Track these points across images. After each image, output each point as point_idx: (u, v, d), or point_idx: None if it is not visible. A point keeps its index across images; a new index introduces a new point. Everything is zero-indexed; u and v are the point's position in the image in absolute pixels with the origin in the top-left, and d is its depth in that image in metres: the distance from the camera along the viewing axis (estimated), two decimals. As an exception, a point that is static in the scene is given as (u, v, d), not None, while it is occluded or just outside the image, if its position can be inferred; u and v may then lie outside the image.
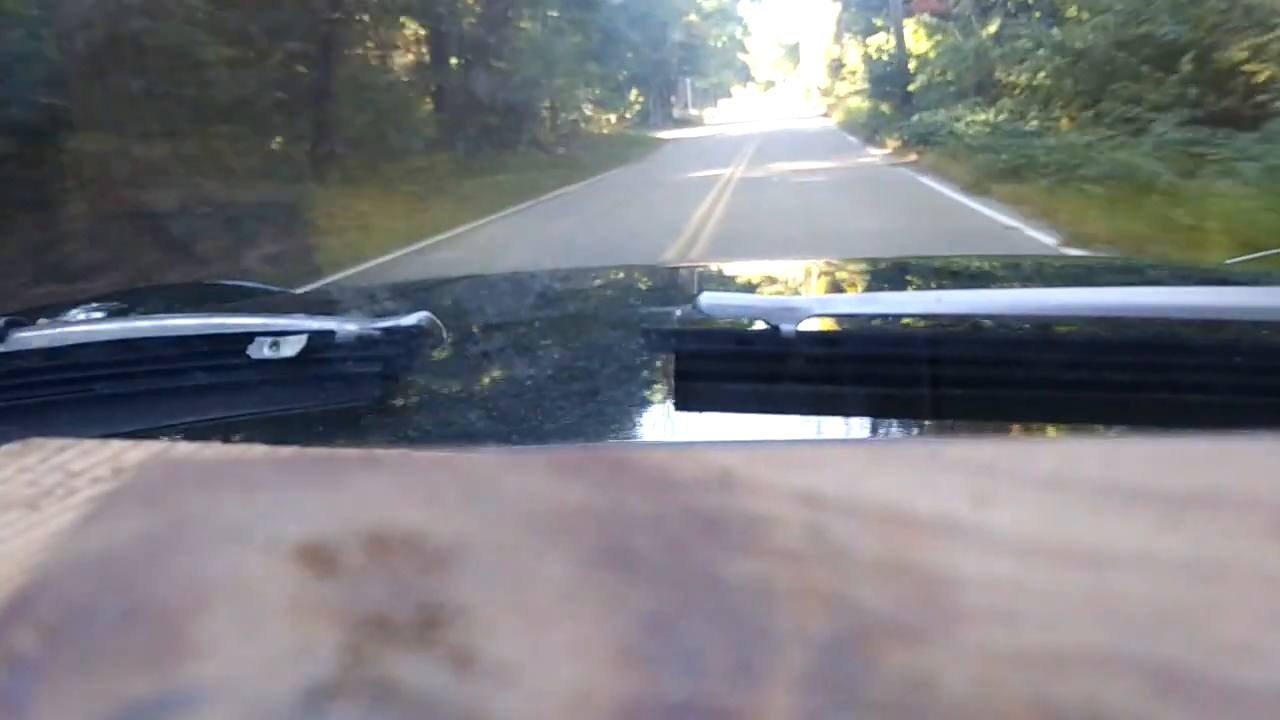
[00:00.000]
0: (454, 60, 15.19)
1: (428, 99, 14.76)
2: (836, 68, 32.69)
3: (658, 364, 0.69)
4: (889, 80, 19.10)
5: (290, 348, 0.61)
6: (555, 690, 0.14)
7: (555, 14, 19.72)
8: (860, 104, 23.77)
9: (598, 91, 23.85)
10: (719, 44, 50.60)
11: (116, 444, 0.25)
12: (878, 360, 0.58)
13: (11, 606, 0.17)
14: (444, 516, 0.18)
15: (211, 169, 7.75)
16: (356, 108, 11.60)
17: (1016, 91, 12.33)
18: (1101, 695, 0.14)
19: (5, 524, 0.22)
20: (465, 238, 7.93)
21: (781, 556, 0.17)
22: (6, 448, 0.25)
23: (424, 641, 0.15)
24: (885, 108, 19.03)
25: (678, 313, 0.82)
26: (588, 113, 22.79)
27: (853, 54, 27.63)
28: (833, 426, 0.60)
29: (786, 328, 0.56)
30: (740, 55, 57.22)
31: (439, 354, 0.71)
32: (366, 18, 12.86)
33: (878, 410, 0.59)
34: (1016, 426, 0.58)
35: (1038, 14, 13.02)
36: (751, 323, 0.62)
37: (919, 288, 1.07)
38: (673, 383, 0.62)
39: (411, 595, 0.16)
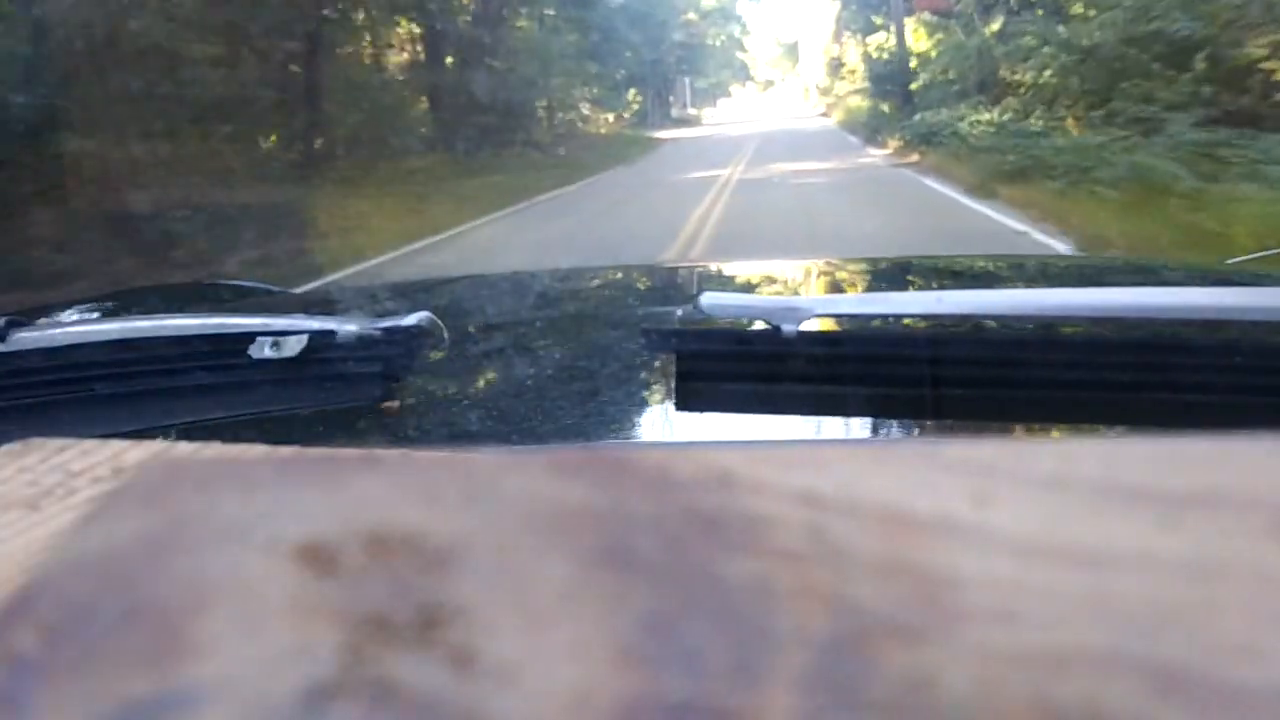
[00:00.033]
0: (449, 59, 15.08)
1: (423, 98, 14.64)
2: (836, 67, 32.65)
3: (658, 364, 0.69)
4: (890, 79, 18.97)
5: (290, 348, 0.61)
6: (555, 690, 0.14)
7: (552, 13, 19.59)
8: (860, 103, 23.71)
9: (595, 91, 23.77)
10: (717, 43, 50.53)
11: (116, 444, 0.25)
12: (878, 360, 0.58)
13: (11, 606, 0.17)
14: (444, 516, 0.18)
15: (194, 170, 7.53)
16: (350, 107, 11.43)
17: (1021, 90, 12.06)
18: (1101, 695, 0.14)
19: (5, 524, 0.22)
20: (457, 240, 7.78)
21: (781, 556, 0.17)
22: (6, 448, 0.25)
23: (424, 641, 0.15)
24: (885, 107, 18.95)
25: (678, 313, 0.83)
26: (585, 112, 22.69)
27: (852, 53, 27.59)
28: (833, 426, 0.60)
29: (787, 328, 0.56)
30: (739, 54, 57.15)
31: (439, 354, 0.71)
32: (360, 16, 12.69)
33: (878, 410, 0.59)
34: (1016, 426, 0.58)
35: (1040, 11, 12.77)
36: (752, 323, 0.62)
37: (920, 288, 1.07)
38: (673, 383, 0.62)
39: (411, 595, 0.16)
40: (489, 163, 13.52)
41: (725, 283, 1.18)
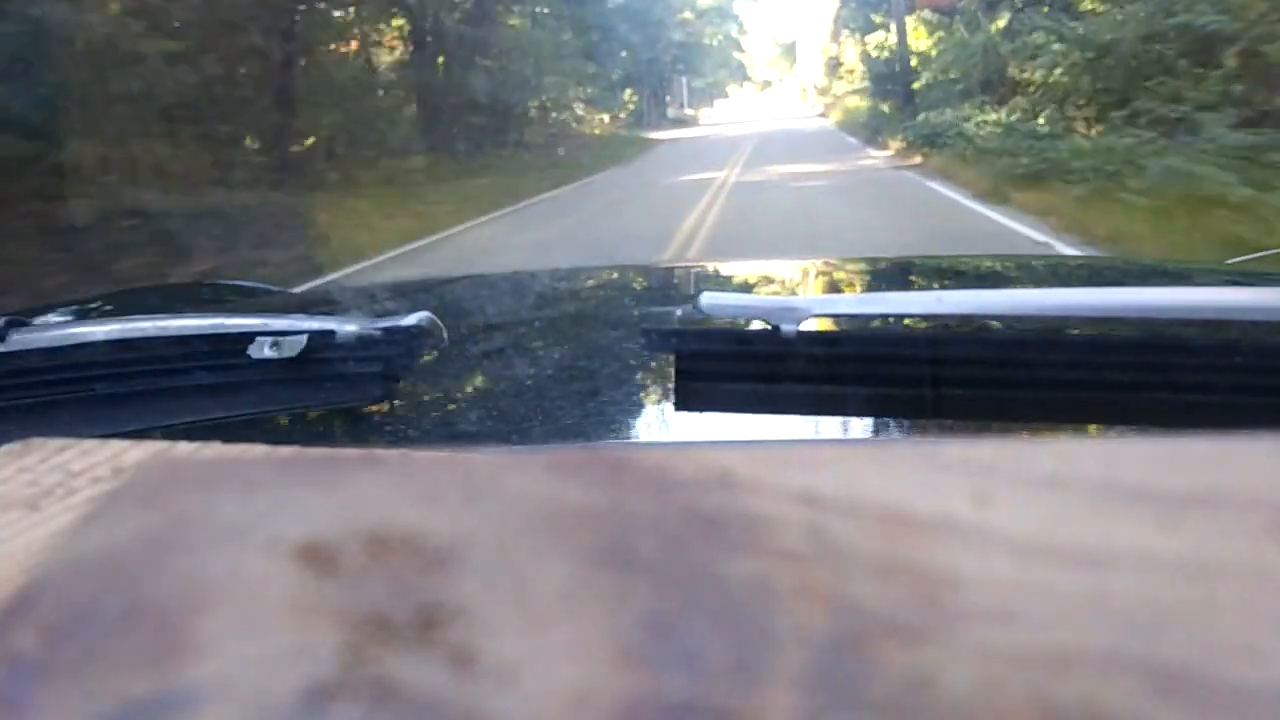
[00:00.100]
0: (438, 58, 14.81)
1: (410, 99, 14.34)
2: (834, 66, 32.61)
3: (658, 364, 0.69)
4: (890, 79, 18.77)
5: (290, 348, 0.61)
6: (555, 690, 0.14)
7: (546, 11, 19.41)
8: (859, 103, 23.64)
9: (590, 91, 23.61)
10: (714, 43, 50.42)
11: (116, 444, 0.25)
12: (878, 360, 0.58)
13: (11, 606, 0.17)
14: (444, 516, 0.18)
15: (147, 175, 7.07)
16: (330, 107, 11.04)
17: (1030, 90, 11.53)
18: (1101, 695, 0.14)
19: (5, 524, 0.22)
20: (431, 250, 7.36)
21: (781, 556, 0.17)
22: (6, 448, 0.25)
23: (424, 641, 0.15)
24: (885, 107, 18.84)
25: (678, 313, 0.83)
26: (579, 113, 22.48)
27: (850, 52, 27.52)
28: (833, 426, 0.60)
29: (787, 328, 0.56)
30: (736, 54, 57.06)
31: (439, 354, 0.71)
32: (338, 12, 12.35)
33: (878, 410, 0.59)
34: (1016, 426, 0.58)
35: (1046, 8, 12.33)
36: (752, 323, 0.62)
37: (919, 288, 1.07)
38: (673, 383, 0.62)
39: (411, 595, 0.16)
40: (478, 164, 13.19)
41: (725, 283, 1.18)
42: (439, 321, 0.66)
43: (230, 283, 1.57)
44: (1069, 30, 10.87)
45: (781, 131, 24.25)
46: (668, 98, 43.77)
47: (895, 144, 14.31)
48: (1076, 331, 0.66)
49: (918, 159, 12.07)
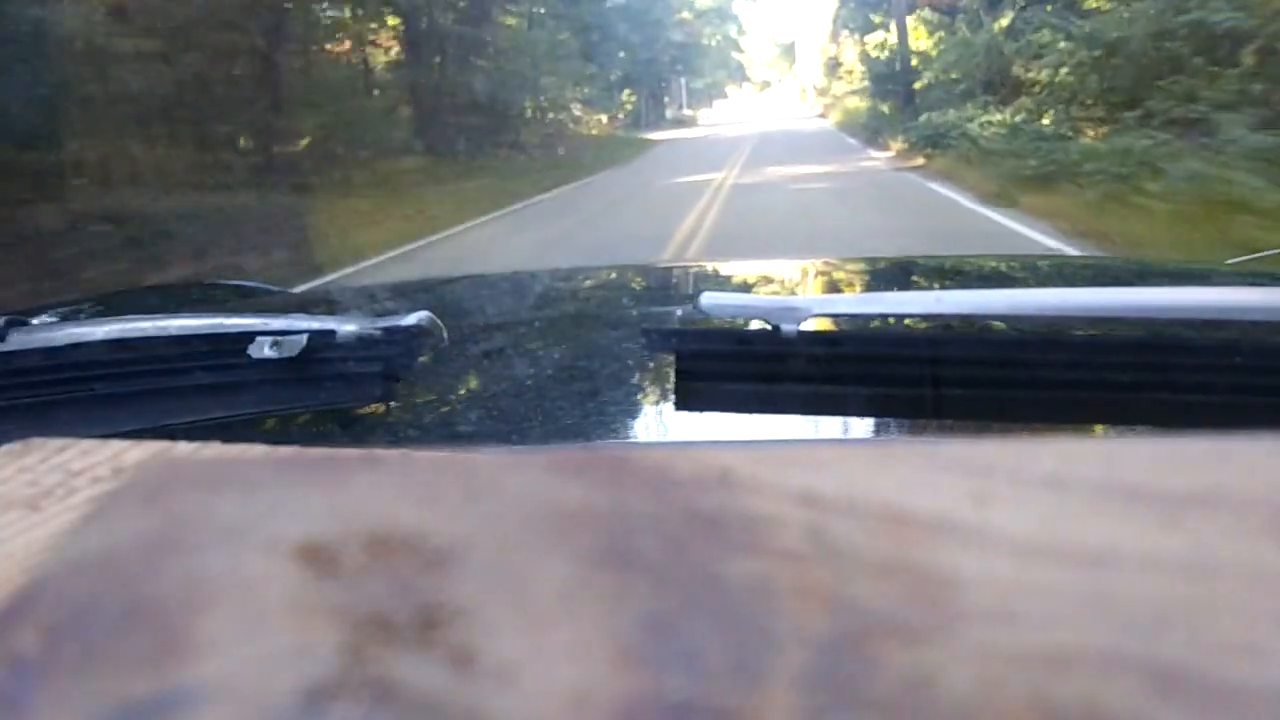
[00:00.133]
0: (432, 58, 14.57)
1: (403, 98, 14.08)
2: (833, 67, 32.60)
3: (658, 364, 0.69)
4: (891, 79, 18.64)
5: (290, 348, 0.61)
6: (555, 690, 0.14)
7: (542, 10, 19.25)
8: (859, 104, 23.59)
9: (587, 91, 23.51)
10: (713, 43, 50.34)
11: (116, 444, 0.25)
12: (878, 360, 0.58)
13: (11, 606, 0.17)
14: (444, 516, 0.18)
15: (122, 177, 6.81)
16: (318, 107, 10.73)
17: (1036, 89, 11.25)
18: (1101, 695, 0.14)
19: (5, 524, 0.22)
20: (419, 255, 7.07)
21: (781, 556, 0.17)
22: (6, 448, 0.25)
23: (424, 641, 0.15)
24: (885, 108, 18.78)
25: (678, 312, 0.83)
26: (576, 113, 22.29)
27: (849, 53, 27.51)
28: (833, 426, 0.60)
29: (787, 328, 0.56)
30: (735, 55, 56.99)
31: (439, 354, 0.71)
32: (328, 10, 12.09)
33: (878, 410, 0.59)
34: (1016, 426, 0.58)
35: (1049, 6, 11.98)
36: (752, 323, 0.62)
37: (919, 287, 1.07)
38: (673, 383, 0.62)
39: (411, 595, 0.16)
40: (473, 165, 12.92)
41: (725, 282, 1.18)
42: (439, 321, 0.66)
43: (230, 283, 1.57)
44: (1076, 28, 10.57)
45: (780, 132, 24.13)
46: (666, 98, 43.74)
47: (896, 145, 14.12)
48: (1076, 331, 0.66)
49: (920, 160, 11.83)
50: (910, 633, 0.15)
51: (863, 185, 10.09)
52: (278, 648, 0.15)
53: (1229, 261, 1.37)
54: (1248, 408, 0.54)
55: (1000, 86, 12.79)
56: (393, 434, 0.62)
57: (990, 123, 11.19)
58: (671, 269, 1.75)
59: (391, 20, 14.03)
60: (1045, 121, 10.26)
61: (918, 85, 16.50)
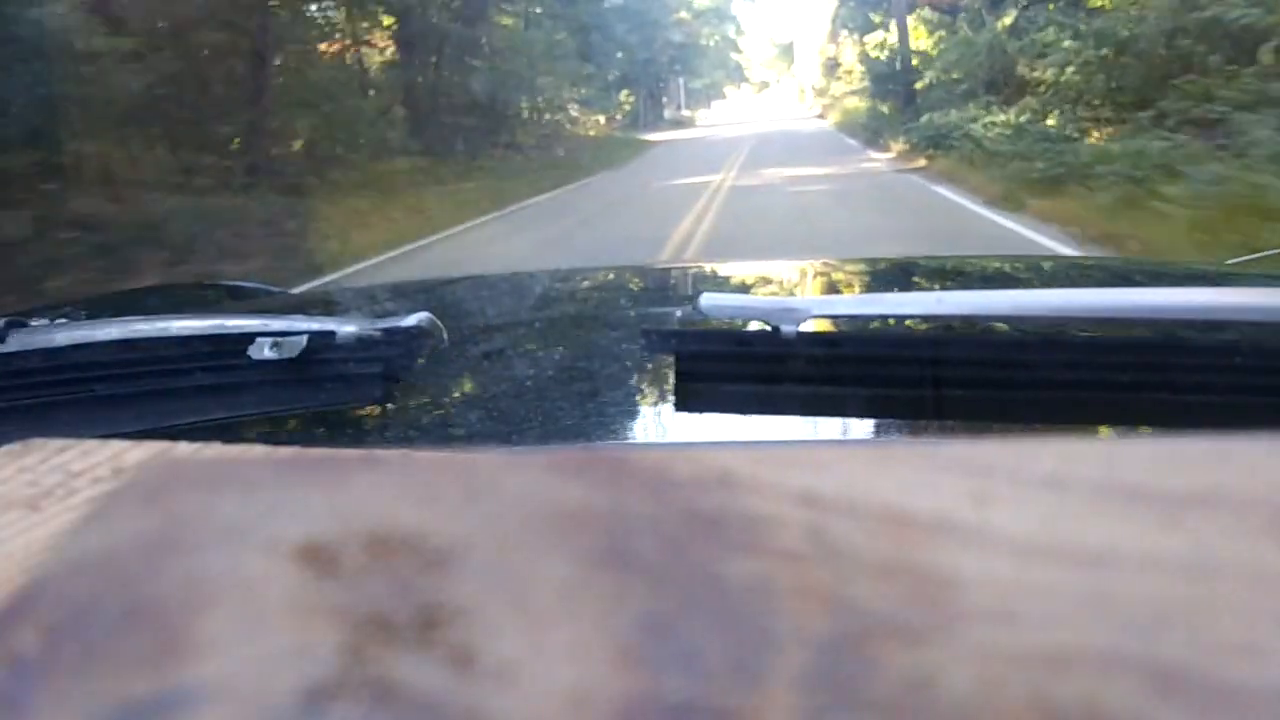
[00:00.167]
0: (427, 58, 14.36)
1: (396, 99, 13.84)
2: (832, 67, 32.57)
3: (658, 364, 0.69)
4: (891, 78, 18.50)
5: (290, 349, 0.61)
6: (555, 690, 0.14)
7: (539, 10, 19.03)
8: (858, 104, 23.51)
9: (584, 92, 23.40)
10: (712, 44, 50.26)
11: (116, 444, 0.25)
12: (878, 361, 0.58)
13: (11, 606, 0.17)
14: (444, 516, 0.18)
15: (95, 181, 6.50)
16: (307, 108, 10.47)
17: (1040, 89, 10.84)
18: (1101, 695, 0.14)
19: (5, 524, 0.22)
20: (404, 261, 6.84)
21: (781, 556, 0.17)
22: (6, 448, 0.25)
23: (424, 641, 0.15)
24: (885, 108, 18.71)
25: (678, 313, 0.83)
26: (574, 114, 22.15)
27: (849, 53, 27.45)
28: (833, 427, 0.60)
29: (787, 328, 0.56)
30: (734, 55, 56.93)
31: (439, 355, 0.71)
32: (315, 8, 11.84)
33: (878, 411, 0.59)
34: (1016, 426, 0.58)
35: (1053, 4, 11.71)
36: (751, 324, 0.62)
37: (919, 288, 1.07)
38: (673, 383, 0.62)
39: (411, 595, 0.16)
40: (463, 168, 12.66)
41: (725, 283, 1.18)
42: (439, 322, 0.66)
43: (230, 283, 1.57)
44: (1083, 25, 10.25)
45: (779, 133, 24.02)
46: (664, 99, 43.71)
47: (897, 146, 13.94)
48: (1077, 332, 0.66)
49: (922, 162, 11.57)
50: (910, 633, 0.15)
51: (864, 187, 9.82)
52: (278, 648, 0.15)
53: (1229, 261, 1.37)
54: (1248, 408, 0.54)
55: (1003, 86, 12.52)
56: (393, 434, 0.62)
57: (994, 123, 10.91)
58: (671, 270, 1.75)
59: (386, 20, 13.85)
60: (1050, 122, 10.02)
61: (919, 85, 16.26)
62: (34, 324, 0.66)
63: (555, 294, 1.17)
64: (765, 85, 71.71)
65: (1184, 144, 7.18)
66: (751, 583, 0.16)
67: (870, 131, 17.85)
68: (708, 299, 0.60)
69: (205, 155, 8.63)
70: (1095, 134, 9.16)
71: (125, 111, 7.19)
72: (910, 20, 17.39)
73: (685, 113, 47.18)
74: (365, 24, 13.44)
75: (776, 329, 0.57)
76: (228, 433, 0.63)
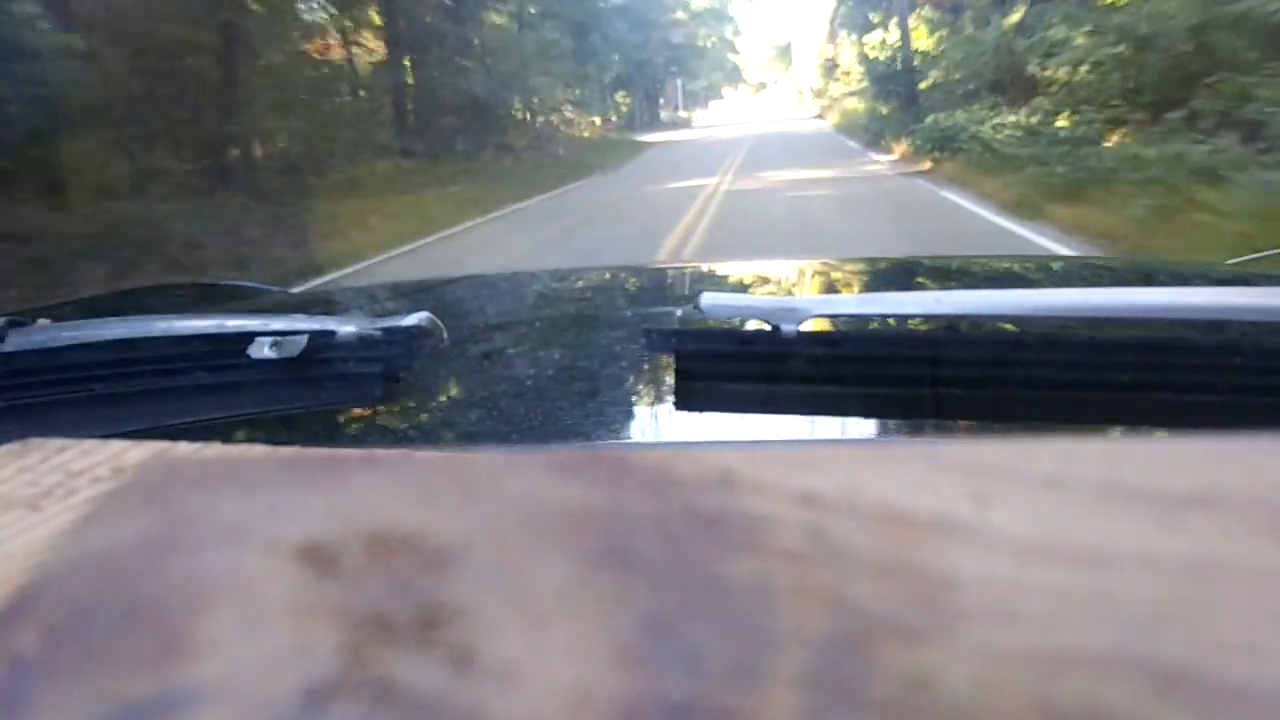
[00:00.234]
0: (414, 58, 14.05)
1: (379, 99, 13.48)
2: (830, 68, 32.52)
3: (658, 364, 0.69)
4: (891, 79, 18.30)
5: (290, 348, 0.61)
6: (555, 690, 0.14)
7: (533, 10, 18.77)
8: (857, 105, 23.41)
9: (579, 92, 23.21)
10: (709, 44, 50.10)
11: (116, 444, 0.25)
12: (878, 360, 0.58)
13: (12, 606, 0.17)
14: (444, 516, 0.18)
15: (37, 188, 6.13)
16: (280, 109, 10.09)
17: (1052, 89, 10.33)
18: (1101, 695, 0.14)
19: (5, 524, 0.22)
20: (366, 276, 6.34)
21: (781, 556, 0.17)
22: (6, 448, 0.25)
23: (424, 641, 0.15)
24: (885, 109, 18.62)
25: (678, 313, 0.82)
26: (568, 115, 21.93)
27: (847, 53, 27.38)
28: (833, 427, 0.60)
29: (787, 328, 0.56)
30: (731, 56, 56.79)
31: (439, 354, 0.71)
32: (301, 5, 11.44)
33: (878, 410, 0.59)
34: (1016, 426, 0.58)
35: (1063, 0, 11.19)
36: (752, 323, 0.62)
37: (919, 288, 1.07)
38: (673, 383, 0.62)
39: (411, 595, 0.16)
40: (451, 170, 12.23)
41: (725, 283, 1.18)
42: (439, 322, 0.66)
43: (230, 283, 1.57)
44: (1102, 22, 9.71)
45: (777, 134, 23.85)
46: (661, 100, 43.67)
47: (900, 148, 13.63)
48: (1076, 331, 0.66)
49: (927, 165, 11.15)
50: (910, 633, 0.15)
51: (867, 192, 9.31)
52: (278, 648, 0.15)
53: (1229, 261, 1.37)
54: (1248, 408, 0.54)
55: (1009, 86, 12.17)
56: (393, 434, 0.62)
57: (1004, 125, 10.47)
58: (671, 269, 1.75)
59: (375, 18, 13.52)
60: (1062, 123, 9.62)
61: (924, 85, 15.90)
62: (34, 323, 0.66)
63: (555, 293, 1.17)
64: (763, 86, 71.68)
65: (1226, 148, 6.62)
66: (751, 583, 0.16)
67: (870, 133, 17.70)
68: (708, 298, 0.60)
69: (166, 159, 8.25)
70: (1114, 136, 8.78)
71: (75, 113, 6.81)
72: (910, 20, 17.27)
73: (682, 114, 47.14)
74: (350, 22, 13.05)
75: (777, 328, 0.57)
76: (228, 432, 0.63)
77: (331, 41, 12.74)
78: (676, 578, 0.16)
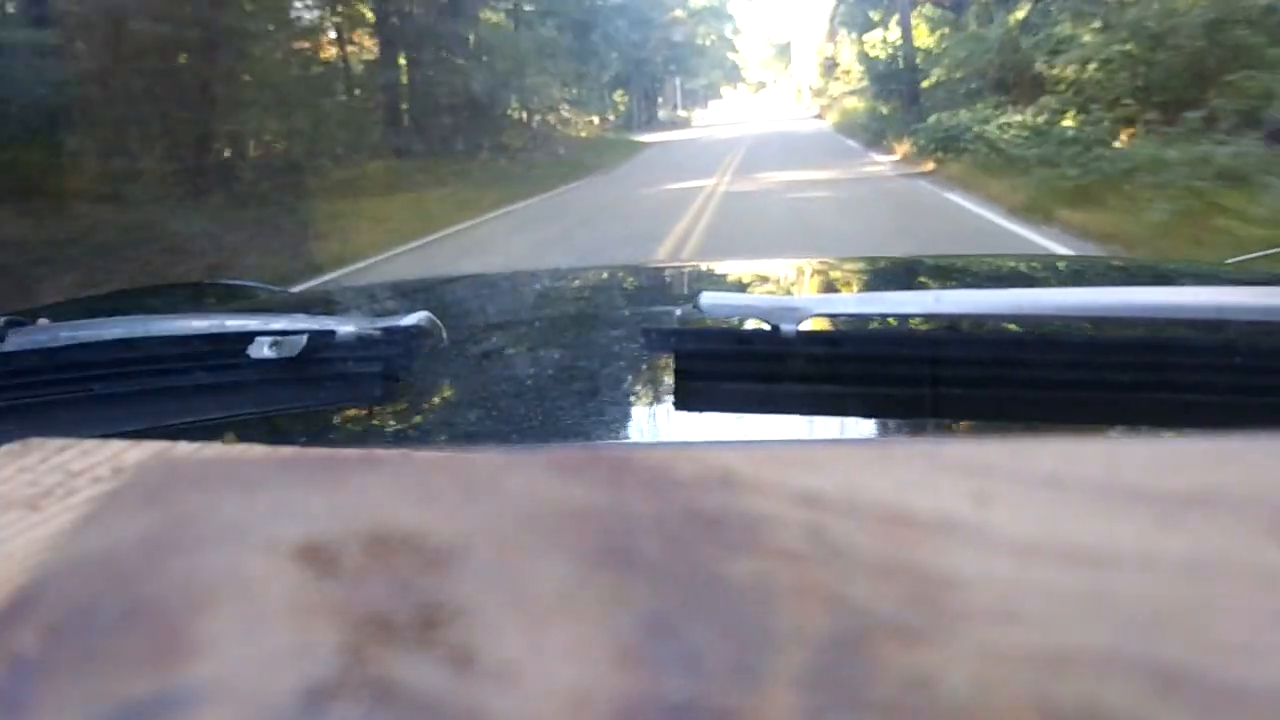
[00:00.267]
0: (406, 56, 13.84)
1: (371, 99, 13.26)
2: (830, 67, 32.47)
3: (658, 364, 0.69)
4: (892, 78, 18.12)
5: (290, 348, 0.61)
6: (555, 690, 0.14)
7: (530, 8, 18.63)
8: (857, 104, 23.31)
9: (576, 92, 23.10)
10: (708, 43, 49.96)
11: (116, 444, 0.25)
12: (878, 360, 0.58)
13: (12, 606, 0.17)
14: (444, 516, 0.18)
15: (3, 193, 5.85)
16: (266, 109, 9.88)
17: (1059, 87, 9.90)
18: (1101, 695, 0.14)
19: (5, 524, 0.22)
20: (358, 278, 6.01)
21: (781, 556, 0.17)
22: (6, 448, 0.25)
23: (424, 641, 0.15)
24: (886, 108, 18.53)
25: (678, 313, 0.82)
26: (565, 114, 21.72)
27: (847, 52, 27.31)
28: (833, 426, 0.60)
29: (786, 328, 0.56)
30: (730, 55, 56.69)
31: (439, 354, 0.71)
32: (295, 3, 11.19)
33: (878, 410, 0.59)
34: (1016, 426, 0.58)
35: None
36: (751, 323, 0.62)
37: (919, 287, 1.07)
38: (673, 383, 0.62)
39: (411, 595, 0.16)
40: (444, 172, 11.95)
41: (724, 282, 1.18)
42: (439, 321, 0.66)
43: (230, 283, 1.57)
44: (1111, 18, 9.30)
45: (776, 134, 23.73)
46: (660, 99, 43.61)
47: (902, 148, 13.42)
48: (1077, 331, 0.66)
49: (930, 166, 10.92)
50: (910, 633, 0.15)
51: (869, 195, 9.06)
52: (278, 648, 0.15)
53: (1229, 261, 1.37)
54: (1248, 408, 0.54)
55: (1014, 85, 11.86)
56: (393, 434, 0.62)
57: (1009, 124, 10.11)
58: (670, 269, 1.75)
59: (367, 15, 13.27)
60: (1069, 122, 9.30)
61: (927, 83, 15.57)
62: (33, 323, 0.66)
63: (555, 293, 1.17)
64: (762, 85, 71.63)
65: (1253, 151, 6.29)
66: (751, 583, 0.16)
67: (871, 133, 17.58)
68: (707, 298, 0.60)
69: (148, 160, 8.00)
70: (1123, 136, 8.47)
71: (48, 113, 6.62)
72: (912, 17, 17.12)
73: (681, 113, 47.10)
74: (339, 20, 12.79)
75: (776, 328, 0.57)
76: (228, 432, 0.63)
77: (324, 39, 12.52)
78: (677, 578, 0.16)
